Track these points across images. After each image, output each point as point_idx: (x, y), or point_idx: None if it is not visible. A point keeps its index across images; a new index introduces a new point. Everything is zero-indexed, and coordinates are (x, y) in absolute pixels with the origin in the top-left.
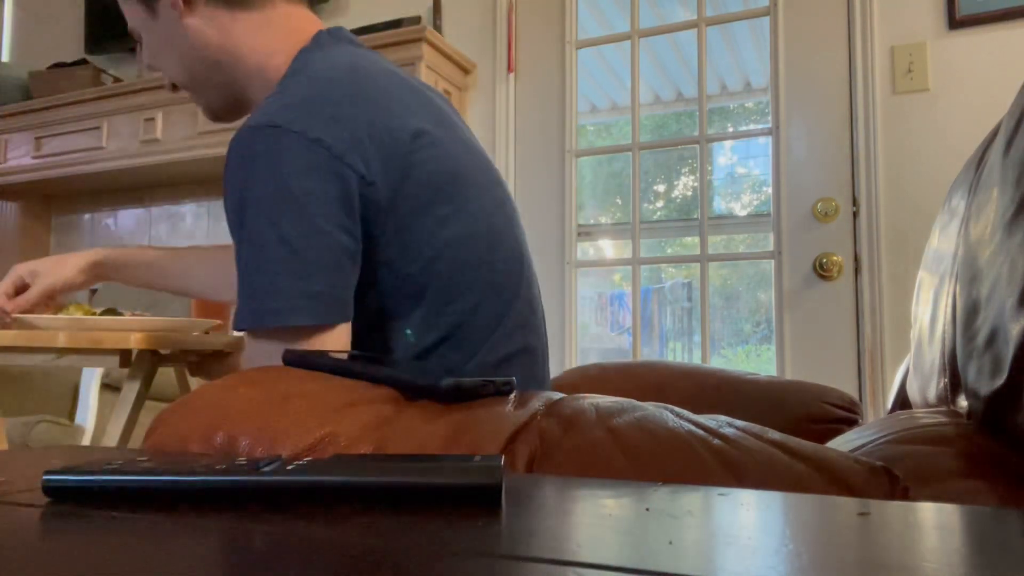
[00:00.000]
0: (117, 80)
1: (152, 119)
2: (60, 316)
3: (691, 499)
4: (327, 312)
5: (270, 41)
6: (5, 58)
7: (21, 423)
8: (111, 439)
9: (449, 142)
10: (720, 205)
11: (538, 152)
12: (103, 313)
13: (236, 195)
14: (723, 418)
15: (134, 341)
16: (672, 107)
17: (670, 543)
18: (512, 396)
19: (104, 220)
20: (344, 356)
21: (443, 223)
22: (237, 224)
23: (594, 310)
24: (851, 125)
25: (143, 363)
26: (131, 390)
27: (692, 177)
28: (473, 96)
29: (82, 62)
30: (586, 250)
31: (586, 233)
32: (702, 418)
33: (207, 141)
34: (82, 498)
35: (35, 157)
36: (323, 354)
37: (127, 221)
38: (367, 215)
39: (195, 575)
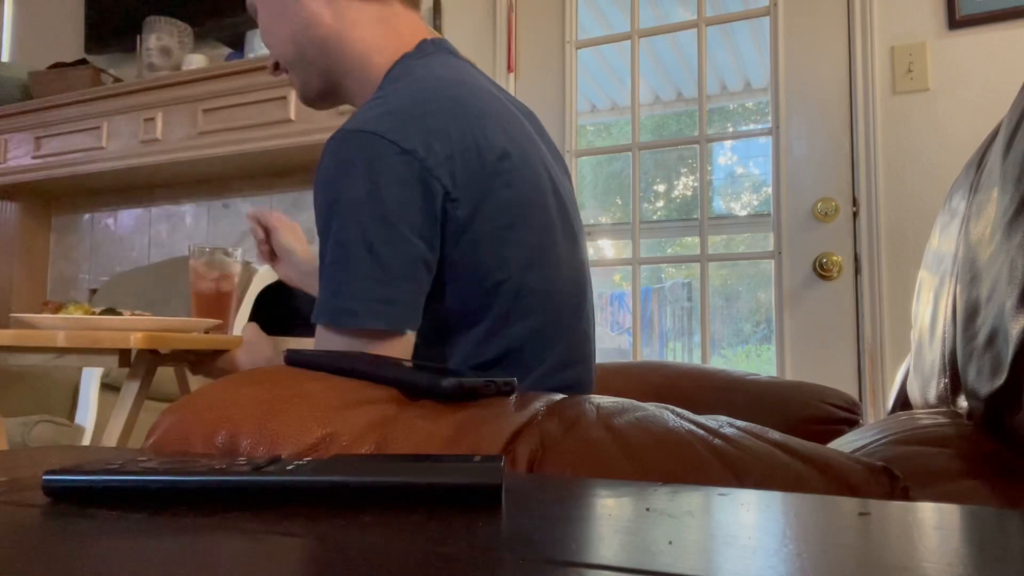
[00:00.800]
0: (117, 80)
1: (152, 119)
2: (60, 316)
3: (691, 499)
4: (401, 319)
5: (378, 37)
6: (5, 58)
7: (21, 423)
8: (110, 439)
9: (533, 166)
10: (720, 205)
11: None
12: (102, 313)
13: (328, 196)
14: (723, 418)
15: (134, 341)
16: (672, 107)
17: (670, 543)
18: (513, 396)
19: (104, 220)
20: (408, 363)
21: (515, 247)
22: (325, 223)
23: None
24: (851, 125)
25: (143, 363)
26: (130, 390)
27: (692, 177)
28: None
29: (82, 62)
30: None
31: (586, 233)
32: (702, 418)
33: (207, 141)
34: (82, 498)
35: (35, 157)
36: (326, 354)
37: (127, 221)
38: (445, 230)
39: (188, 574)
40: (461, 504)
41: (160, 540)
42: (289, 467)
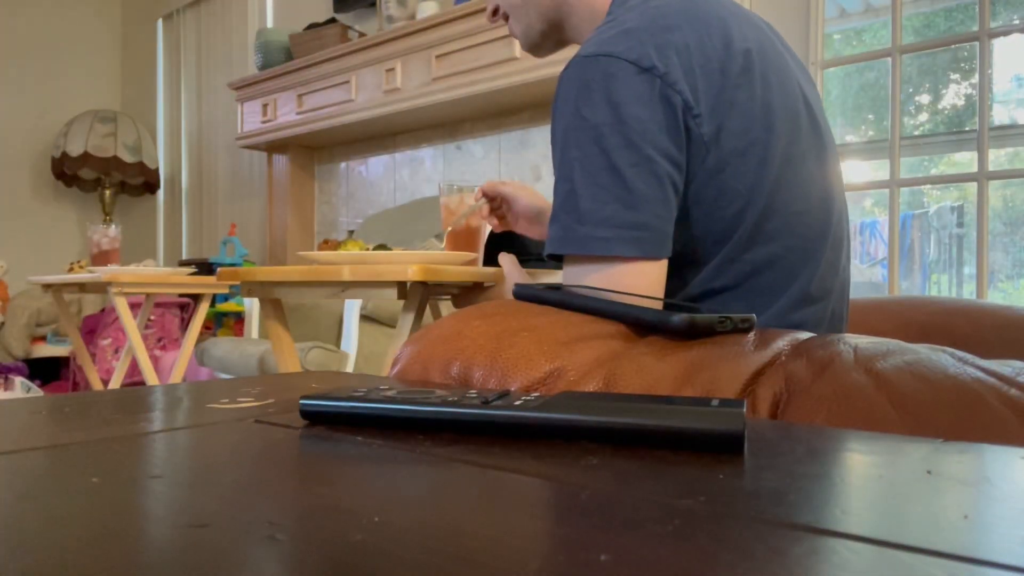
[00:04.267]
0: (362, 35)
1: (392, 69)
2: (341, 252)
3: (986, 462)
4: (651, 245)
5: None
6: (270, 23)
7: (298, 348)
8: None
9: (778, 71)
10: (1003, 114)
11: None
12: (375, 249)
13: (566, 122)
14: (1020, 364)
15: (411, 273)
16: (941, 2)
17: (965, 518)
18: (752, 335)
19: (357, 168)
20: (636, 298)
21: (763, 165)
22: (564, 151)
23: None
24: None
25: (416, 294)
26: (407, 320)
27: (966, 83)
28: None
29: (331, 21)
30: None
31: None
32: (992, 363)
33: (440, 86)
34: (332, 422)
35: (299, 113)
36: (553, 288)
37: (376, 167)
38: (690, 149)
39: (423, 505)
40: (697, 452)
41: (397, 467)
42: (517, 402)
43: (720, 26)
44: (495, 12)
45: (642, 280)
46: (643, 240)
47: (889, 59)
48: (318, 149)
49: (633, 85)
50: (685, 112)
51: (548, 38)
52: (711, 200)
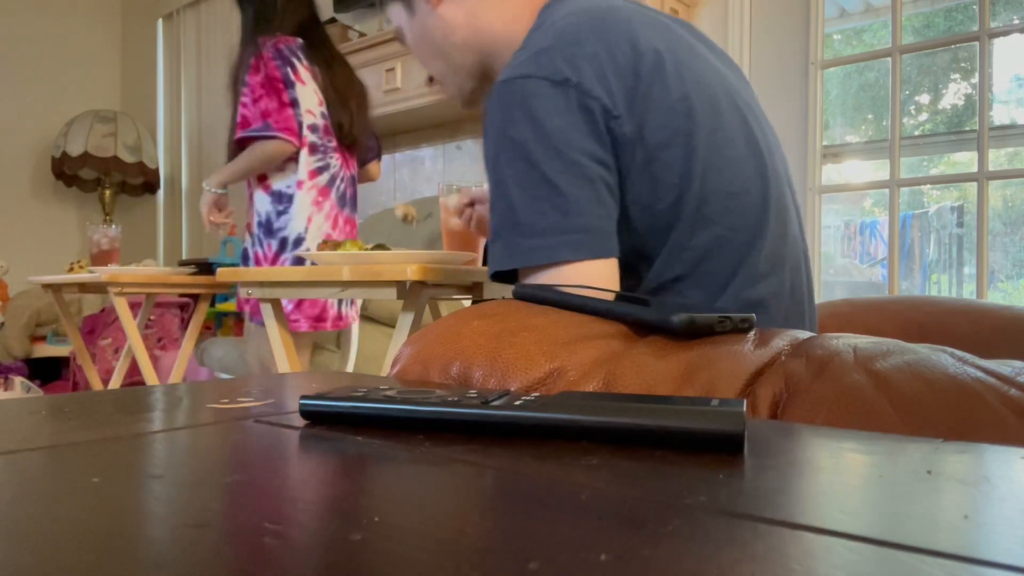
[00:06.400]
0: (362, 35)
1: (392, 69)
2: (340, 252)
3: (986, 461)
4: (596, 246)
5: (512, 8)
6: None
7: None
8: (376, 365)
9: (690, 66)
10: (1003, 114)
11: (777, 64)
12: (373, 248)
13: (496, 145)
14: (1020, 363)
15: (411, 273)
16: (941, 2)
17: (965, 518)
18: (752, 334)
19: None
20: (634, 297)
21: (690, 153)
22: (496, 170)
23: (839, 240)
24: None
25: (415, 294)
26: (407, 320)
27: (965, 83)
28: (704, 2)
29: (331, 21)
30: (830, 174)
31: (832, 155)
32: (991, 363)
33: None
34: (333, 422)
35: None
36: (552, 288)
37: None
38: (617, 152)
39: (423, 505)
40: (697, 452)
41: (397, 467)
42: (517, 402)
43: (626, 30)
44: (431, 80)
45: (595, 281)
46: (587, 242)
47: (889, 59)
48: None
49: (551, 99)
50: (605, 116)
51: (479, 92)
52: (647, 194)
